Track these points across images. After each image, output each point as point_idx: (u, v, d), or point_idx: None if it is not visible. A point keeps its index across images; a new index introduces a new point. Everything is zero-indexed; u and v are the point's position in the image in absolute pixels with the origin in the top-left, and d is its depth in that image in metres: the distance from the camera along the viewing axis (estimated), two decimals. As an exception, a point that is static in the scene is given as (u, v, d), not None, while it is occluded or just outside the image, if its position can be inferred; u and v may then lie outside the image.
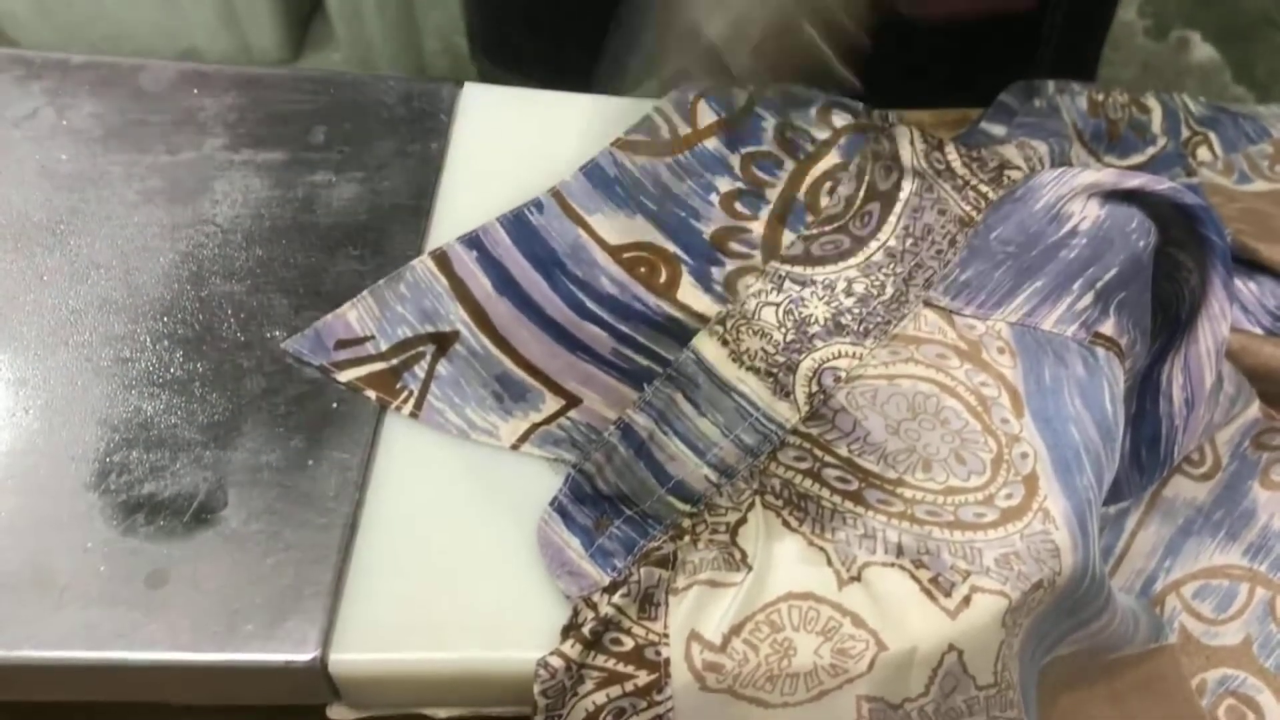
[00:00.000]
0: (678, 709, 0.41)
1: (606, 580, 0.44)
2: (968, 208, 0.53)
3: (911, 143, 0.54)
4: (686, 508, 0.46)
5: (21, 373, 0.48)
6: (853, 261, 0.51)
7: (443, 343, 0.50)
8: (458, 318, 0.51)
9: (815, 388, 0.47)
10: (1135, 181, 0.51)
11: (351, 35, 0.82)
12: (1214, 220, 0.50)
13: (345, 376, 0.49)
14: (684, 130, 0.56)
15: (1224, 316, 0.50)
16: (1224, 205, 0.61)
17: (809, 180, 0.55)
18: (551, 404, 0.49)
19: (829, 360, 0.48)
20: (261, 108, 0.58)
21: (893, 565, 0.43)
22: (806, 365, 0.48)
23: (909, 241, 0.52)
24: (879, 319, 0.50)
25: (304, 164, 0.56)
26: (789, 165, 0.55)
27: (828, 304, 0.50)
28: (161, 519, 0.45)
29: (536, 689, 0.42)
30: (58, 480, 0.45)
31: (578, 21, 0.70)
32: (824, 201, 0.54)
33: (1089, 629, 0.47)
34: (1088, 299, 0.50)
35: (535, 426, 0.49)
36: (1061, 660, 0.48)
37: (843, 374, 0.48)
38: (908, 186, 0.53)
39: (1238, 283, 0.58)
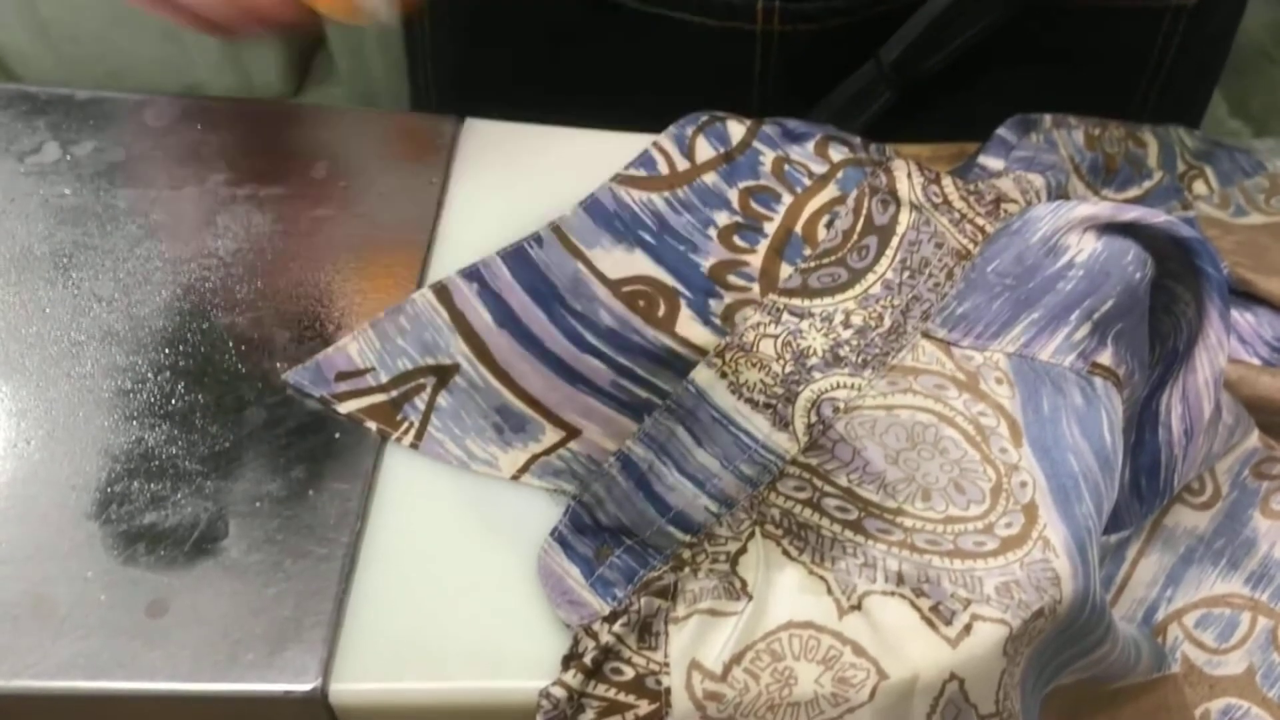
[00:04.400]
0: None
1: (607, 609, 0.44)
2: (965, 241, 0.53)
3: (909, 176, 0.55)
4: (686, 538, 0.46)
5: (23, 404, 0.48)
6: (850, 294, 0.52)
7: (443, 375, 0.50)
8: (458, 350, 0.51)
9: (814, 418, 0.47)
10: (1132, 214, 0.51)
11: (353, 70, 0.82)
12: (1210, 253, 0.50)
13: (346, 408, 0.49)
14: (683, 165, 0.56)
15: (1221, 347, 0.50)
16: (1221, 238, 0.61)
17: (806, 213, 0.55)
18: (551, 435, 0.49)
19: (827, 391, 0.48)
20: (264, 142, 0.58)
21: (893, 594, 0.43)
22: (805, 396, 0.48)
23: (906, 274, 0.52)
24: (877, 350, 0.50)
25: (306, 198, 0.56)
26: (787, 199, 0.56)
27: (826, 336, 0.50)
28: (162, 549, 0.45)
29: (539, 719, 0.42)
30: (59, 510, 0.45)
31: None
32: (821, 234, 0.54)
33: (1090, 658, 0.47)
34: (1085, 330, 0.50)
35: (535, 457, 0.49)
36: (1063, 690, 0.48)
37: (841, 405, 0.48)
38: (905, 220, 0.54)
39: (1235, 314, 0.58)
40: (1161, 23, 0.68)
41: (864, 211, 0.54)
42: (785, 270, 0.53)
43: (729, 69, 0.67)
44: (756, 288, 0.52)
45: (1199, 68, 0.73)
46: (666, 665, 0.42)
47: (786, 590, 0.43)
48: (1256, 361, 0.57)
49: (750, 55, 0.66)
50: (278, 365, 0.50)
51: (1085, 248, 0.51)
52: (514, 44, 0.70)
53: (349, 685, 0.42)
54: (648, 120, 0.58)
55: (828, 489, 0.46)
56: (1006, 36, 0.65)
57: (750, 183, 0.56)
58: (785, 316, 0.51)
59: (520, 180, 0.57)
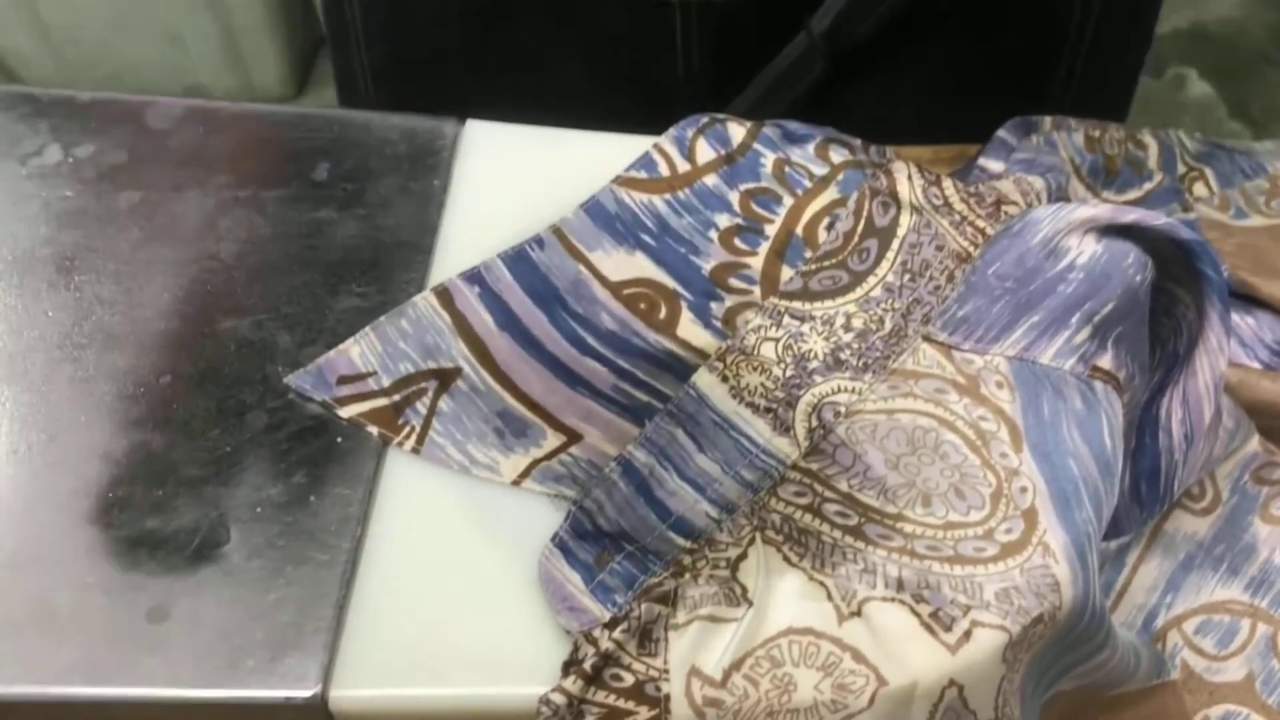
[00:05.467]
0: None
1: (607, 616, 0.44)
2: (965, 243, 0.53)
3: (909, 179, 0.55)
4: (687, 543, 0.46)
5: (25, 408, 0.48)
6: (851, 297, 0.52)
7: (444, 379, 0.50)
8: (459, 354, 0.51)
9: (815, 423, 0.47)
10: (1131, 217, 0.51)
11: (354, 72, 0.82)
12: (1210, 255, 0.50)
13: (347, 412, 0.49)
14: (683, 167, 0.56)
15: (1221, 351, 0.50)
16: (1221, 240, 0.61)
17: (807, 216, 0.55)
18: (552, 440, 0.49)
19: (828, 395, 0.48)
20: (266, 145, 0.58)
21: (893, 600, 0.43)
22: (806, 400, 0.48)
23: (907, 277, 0.52)
24: (878, 354, 0.50)
25: (307, 200, 0.56)
26: (787, 201, 0.56)
27: (827, 339, 0.50)
28: (163, 554, 0.45)
29: (538, 725, 0.42)
30: (59, 515, 0.45)
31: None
32: (822, 237, 0.54)
33: (1090, 664, 0.47)
34: (1085, 333, 0.50)
35: (536, 462, 0.49)
36: (1063, 696, 0.48)
37: (842, 409, 0.48)
38: (905, 222, 0.54)
39: (1235, 317, 0.58)
40: None
41: (865, 214, 0.54)
42: (786, 273, 0.53)
43: (652, 42, 0.66)
44: (757, 290, 0.52)
45: (1121, 34, 0.73)
46: (666, 672, 0.42)
47: (786, 596, 0.43)
48: (1257, 365, 0.57)
49: (671, 24, 0.66)
50: (279, 369, 0.50)
51: (1085, 250, 0.51)
52: (441, 20, 0.70)
53: (349, 691, 0.42)
54: (577, 97, 0.57)
55: (828, 494, 0.46)
56: (930, 8, 0.65)
57: (751, 185, 0.56)
58: (786, 319, 0.51)
59: (521, 183, 0.57)
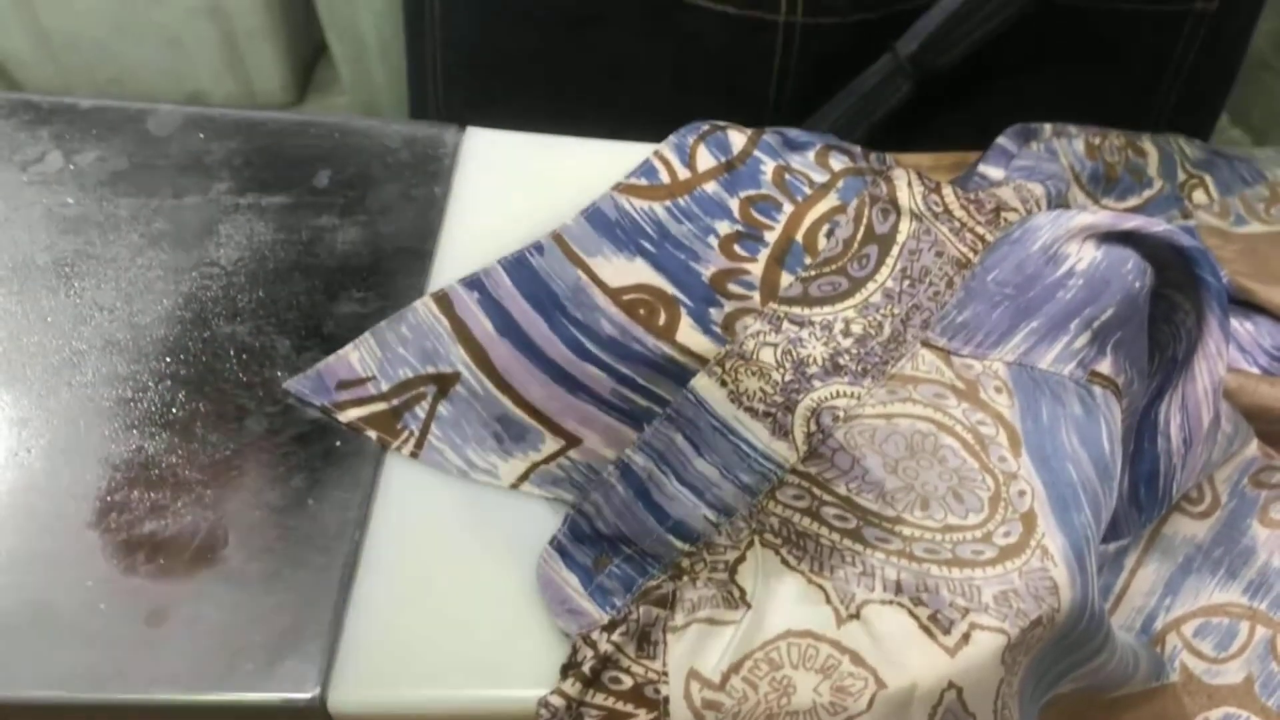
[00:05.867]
0: None
1: (606, 618, 0.44)
2: (965, 250, 0.53)
3: (909, 185, 0.55)
4: (685, 546, 0.46)
5: (24, 412, 0.48)
6: (850, 302, 0.52)
7: (443, 384, 0.50)
8: (459, 359, 0.51)
9: (813, 427, 0.47)
10: (1131, 223, 0.51)
11: (355, 79, 0.82)
12: (1209, 262, 0.50)
13: (346, 417, 0.49)
14: (684, 174, 0.56)
15: (1220, 356, 0.50)
16: (1221, 247, 0.61)
17: (807, 222, 0.55)
18: (551, 444, 0.49)
19: (827, 400, 0.48)
20: (267, 151, 0.58)
21: (891, 603, 0.43)
22: (805, 405, 0.48)
23: (906, 283, 0.52)
24: (877, 359, 0.50)
25: (308, 207, 0.56)
26: (787, 208, 0.56)
27: (826, 344, 0.50)
28: (162, 558, 0.45)
29: (536, 728, 0.42)
30: (59, 519, 0.45)
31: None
32: (822, 243, 0.54)
33: (1089, 667, 0.47)
34: (1084, 338, 0.50)
35: (535, 466, 0.49)
36: (1062, 699, 0.48)
37: (841, 413, 0.48)
38: (905, 229, 0.54)
39: (1234, 323, 0.58)
40: (1184, 25, 0.69)
41: (864, 220, 0.54)
42: (786, 279, 0.53)
43: (749, 60, 0.66)
44: (757, 296, 0.53)
45: (1219, 70, 0.73)
46: (665, 674, 0.42)
47: (785, 599, 0.43)
48: (1256, 370, 0.57)
49: (771, 46, 0.66)
50: (279, 374, 0.50)
51: (1085, 257, 0.51)
52: (531, 26, 0.69)
53: (348, 694, 0.42)
54: (664, 112, 0.57)
55: (827, 498, 0.46)
56: (1030, 37, 0.65)
57: (751, 192, 0.56)
58: (785, 325, 0.51)
59: (522, 189, 0.58)
